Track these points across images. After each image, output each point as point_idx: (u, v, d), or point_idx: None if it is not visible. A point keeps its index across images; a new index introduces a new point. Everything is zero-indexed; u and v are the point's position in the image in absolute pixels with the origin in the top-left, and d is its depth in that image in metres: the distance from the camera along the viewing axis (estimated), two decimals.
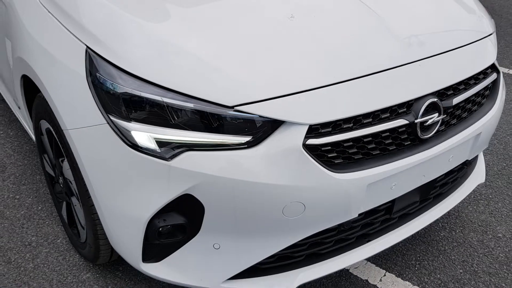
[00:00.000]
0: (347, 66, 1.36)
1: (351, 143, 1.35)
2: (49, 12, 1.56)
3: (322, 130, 1.30)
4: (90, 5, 1.46)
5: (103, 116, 1.31)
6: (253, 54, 1.33)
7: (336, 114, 1.29)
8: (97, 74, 1.33)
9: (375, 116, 1.37)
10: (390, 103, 1.37)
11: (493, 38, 1.78)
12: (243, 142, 1.27)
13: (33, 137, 2.03)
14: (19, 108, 2.10)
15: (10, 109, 2.81)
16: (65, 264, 1.85)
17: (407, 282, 1.81)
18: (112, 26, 1.39)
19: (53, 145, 1.77)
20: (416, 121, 1.42)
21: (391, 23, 1.54)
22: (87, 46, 1.37)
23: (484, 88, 1.68)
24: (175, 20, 1.42)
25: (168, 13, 1.44)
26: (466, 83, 1.59)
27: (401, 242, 1.91)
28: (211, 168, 1.25)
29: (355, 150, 1.37)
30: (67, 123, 1.42)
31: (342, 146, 1.34)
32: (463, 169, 1.86)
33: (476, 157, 1.99)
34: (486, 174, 2.44)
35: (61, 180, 1.81)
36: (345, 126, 1.33)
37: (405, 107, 1.42)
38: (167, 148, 1.27)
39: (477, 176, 1.94)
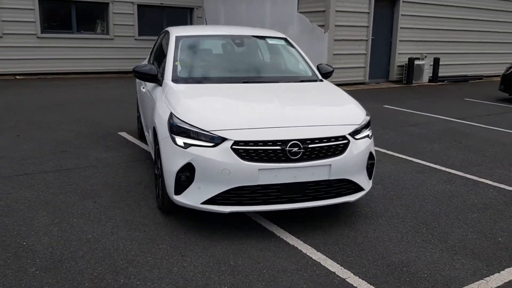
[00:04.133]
0: (261, 122, 3.53)
1: (253, 150, 3.45)
2: (165, 102, 4.04)
3: (240, 143, 3.43)
4: (174, 97, 3.92)
5: (169, 133, 3.65)
6: (223, 112, 3.60)
7: (249, 138, 3.43)
8: (170, 119, 3.70)
9: (268, 142, 3.46)
10: (276, 138, 3.46)
11: (350, 128, 3.73)
12: (211, 145, 3.46)
13: (153, 156, 4.46)
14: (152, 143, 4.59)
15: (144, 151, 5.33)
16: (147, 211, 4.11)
17: (307, 245, 3.63)
18: (176, 102, 3.80)
19: (155, 153, 4.15)
20: (286, 149, 3.46)
21: (288, 110, 3.69)
22: (170, 111, 3.78)
23: (335, 145, 3.63)
24: (197, 99, 3.80)
25: (195, 95, 3.84)
26: (321, 140, 3.57)
27: (302, 214, 3.77)
28: (198, 153, 3.46)
29: (255, 154, 3.45)
30: (159, 137, 3.79)
31: (250, 150, 3.44)
32: (341, 190, 3.72)
33: (355, 188, 3.80)
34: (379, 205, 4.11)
35: (157, 168, 4.14)
36: (251, 143, 3.44)
37: (282, 142, 3.48)
38: (186, 145, 3.52)
39: (349, 198, 3.77)
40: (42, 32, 14.12)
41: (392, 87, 13.40)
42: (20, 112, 8.33)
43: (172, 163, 3.58)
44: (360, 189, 3.85)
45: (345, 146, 3.69)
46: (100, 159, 5.57)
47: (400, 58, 14.06)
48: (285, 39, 5.27)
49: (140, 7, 15.66)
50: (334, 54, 12.54)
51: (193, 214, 3.96)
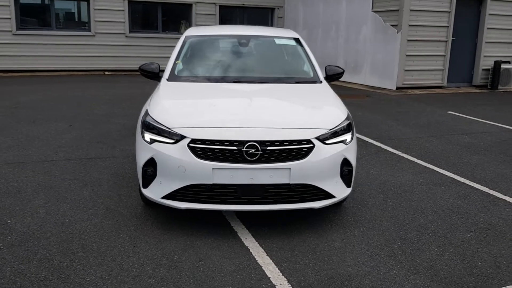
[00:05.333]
0: (222, 121, 3.55)
1: (209, 149, 3.47)
2: (149, 99, 4.21)
3: (197, 141, 3.47)
4: (157, 94, 4.06)
5: (140, 128, 3.80)
6: (190, 111, 3.67)
7: (205, 137, 3.47)
8: (144, 116, 3.84)
9: (224, 142, 3.46)
10: (233, 139, 3.45)
11: (317, 132, 3.58)
12: (172, 141, 3.55)
13: None
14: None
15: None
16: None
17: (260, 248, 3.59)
18: (155, 99, 3.93)
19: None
20: (242, 149, 3.44)
21: (258, 111, 3.66)
22: (147, 108, 3.92)
23: (297, 149, 3.51)
24: (175, 97, 3.90)
25: (176, 94, 3.94)
26: (281, 143, 3.48)
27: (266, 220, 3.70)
28: (159, 149, 3.57)
29: (212, 153, 3.47)
30: (137, 132, 3.96)
31: (206, 149, 3.47)
32: (305, 196, 3.60)
33: (323, 194, 3.65)
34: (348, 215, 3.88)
35: None
36: (208, 142, 3.47)
37: (239, 143, 3.45)
38: (151, 141, 3.64)
39: (314, 205, 3.62)
40: (130, 31, 15.19)
41: (472, 92, 12.40)
42: (88, 105, 9.09)
43: (140, 157, 3.73)
44: (329, 196, 3.69)
45: (309, 150, 3.57)
46: (123, 150, 5.92)
47: (485, 61, 12.95)
48: (296, 39, 5.18)
49: (222, 7, 16.17)
50: (407, 56, 11.92)
51: (173, 209, 4.08)
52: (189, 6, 15.77)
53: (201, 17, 15.89)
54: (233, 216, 4.00)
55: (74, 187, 4.63)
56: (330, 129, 3.68)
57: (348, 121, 3.87)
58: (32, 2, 14.56)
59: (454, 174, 5.35)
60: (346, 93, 11.69)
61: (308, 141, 3.57)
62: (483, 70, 13.02)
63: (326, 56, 14.70)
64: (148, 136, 3.68)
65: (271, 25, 17.10)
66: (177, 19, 16.07)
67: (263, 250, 3.47)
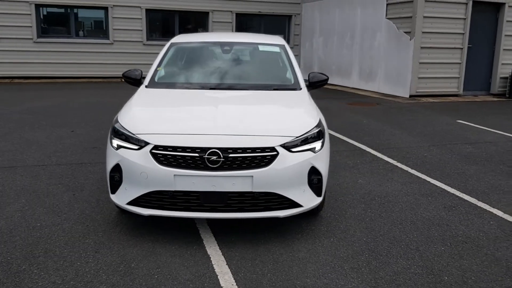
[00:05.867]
0: (186, 128, 3.53)
1: (171, 156, 3.45)
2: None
3: (160, 147, 3.46)
4: (130, 101, 4.08)
5: (110, 135, 3.81)
6: (156, 117, 3.67)
7: (168, 143, 3.45)
8: (115, 122, 3.86)
9: (186, 148, 3.44)
10: (195, 146, 3.42)
11: (282, 140, 3.51)
12: (137, 148, 3.55)
13: None
14: None
15: None
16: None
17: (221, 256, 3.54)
18: (127, 106, 3.94)
19: None
20: (204, 156, 3.41)
21: (224, 118, 3.62)
22: (118, 114, 3.94)
23: (261, 156, 3.46)
24: (146, 104, 3.90)
25: (149, 100, 3.94)
26: (244, 150, 3.44)
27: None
28: (124, 155, 3.57)
29: (174, 159, 3.45)
30: (108, 138, 3.98)
31: (168, 156, 3.45)
32: (271, 204, 3.54)
33: (290, 203, 3.58)
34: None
35: None
36: (170, 149, 3.45)
37: (201, 150, 3.42)
38: (118, 147, 3.66)
39: (278, 213, 3.56)
40: (147, 39, 15.42)
41: (489, 101, 12.04)
42: (97, 111, 9.24)
43: (108, 163, 3.75)
44: (295, 205, 3.62)
45: (273, 158, 3.51)
46: None
47: (503, 69, 12.58)
48: (281, 46, 5.13)
49: (239, 15, 16.25)
50: (420, 63, 11.69)
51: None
52: (205, 14, 15.91)
53: (217, 25, 16.01)
54: (203, 223, 3.97)
55: (56, 192, 4.69)
56: (297, 137, 3.61)
57: (318, 129, 3.79)
58: (52, 11, 15.00)
59: (446, 184, 5.18)
60: (357, 100, 11.54)
61: (272, 149, 3.51)
62: (501, 78, 12.65)
63: (341, 63, 14.58)
64: (115, 142, 3.69)
65: (288, 33, 17.09)
66: (194, 27, 16.23)
67: (224, 259, 3.42)
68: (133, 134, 3.59)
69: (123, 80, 4.78)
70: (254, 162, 3.48)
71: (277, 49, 5.10)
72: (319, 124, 3.84)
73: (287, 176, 3.53)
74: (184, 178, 3.44)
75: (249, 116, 3.88)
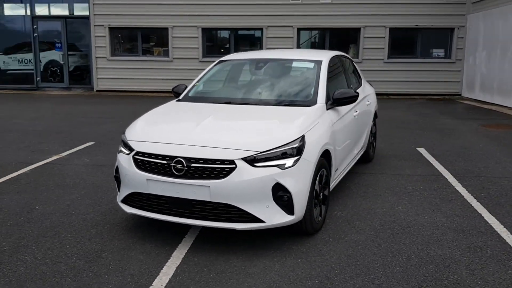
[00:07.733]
0: (164, 137, 3.87)
1: (146, 161, 3.80)
2: None
3: (139, 153, 3.86)
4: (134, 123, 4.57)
5: (121, 146, 4.32)
6: (150, 127, 4.10)
7: (144, 150, 3.84)
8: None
9: (158, 156, 3.76)
10: (164, 153, 3.73)
11: (243, 154, 3.56)
12: (128, 152, 4.02)
13: None
14: None
15: None
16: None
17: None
18: (131, 126, 4.41)
19: None
20: (171, 164, 3.68)
21: (202, 130, 3.85)
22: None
23: (219, 168, 3.56)
24: (156, 115, 4.35)
25: (164, 112, 4.40)
26: (205, 161, 3.59)
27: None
28: (120, 158, 4.07)
29: (148, 165, 3.80)
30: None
31: (144, 161, 3.82)
32: (231, 216, 3.62)
33: (251, 218, 3.59)
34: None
35: None
36: (146, 155, 3.82)
37: (170, 158, 3.70)
38: (119, 151, 4.17)
39: (236, 226, 3.60)
40: (203, 56, 16.07)
41: None
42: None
43: (115, 166, 4.30)
44: (256, 219, 3.61)
45: (230, 170, 3.58)
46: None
47: None
48: (317, 62, 5.01)
49: (393, 30, 15.69)
50: None
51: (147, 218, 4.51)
52: (357, 30, 15.77)
53: (369, 41, 15.72)
54: (198, 229, 4.20)
55: (58, 193, 5.46)
56: (260, 152, 3.62)
57: (293, 146, 3.71)
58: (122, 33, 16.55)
59: (500, 222, 4.39)
60: (498, 122, 10.11)
61: (231, 162, 3.60)
62: None
63: (502, 79, 12.93)
64: (120, 147, 4.22)
65: (450, 47, 15.78)
66: (346, 43, 16.22)
67: (179, 262, 3.63)
68: (127, 141, 4.07)
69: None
70: (213, 173, 3.62)
71: (311, 65, 5.03)
72: (295, 142, 3.75)
73: (246, 189, 3.57)
74: (154, 182, 3.77)
75: (226, 130, 4.01)
